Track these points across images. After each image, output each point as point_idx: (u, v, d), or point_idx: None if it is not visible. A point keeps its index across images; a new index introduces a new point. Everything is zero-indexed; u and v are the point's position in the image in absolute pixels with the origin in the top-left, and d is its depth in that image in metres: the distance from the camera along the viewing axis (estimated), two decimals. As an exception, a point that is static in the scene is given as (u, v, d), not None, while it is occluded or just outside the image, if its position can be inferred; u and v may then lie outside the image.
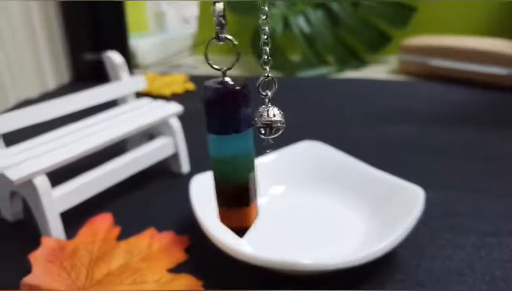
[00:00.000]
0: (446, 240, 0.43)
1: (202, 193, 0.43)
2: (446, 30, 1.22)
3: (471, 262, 0.40)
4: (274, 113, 0.23)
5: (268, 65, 0.23)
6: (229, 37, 0.22)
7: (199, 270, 0.39)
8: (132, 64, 1.21)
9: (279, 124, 0.23)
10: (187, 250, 0.42)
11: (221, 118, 0.22)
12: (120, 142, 0.56)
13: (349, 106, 0.89)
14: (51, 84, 1.02)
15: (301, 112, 0.84)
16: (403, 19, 1.21)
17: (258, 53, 1.13)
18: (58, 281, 0.37)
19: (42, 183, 0.42)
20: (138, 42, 1.28)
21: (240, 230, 0.25)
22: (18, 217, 0.48)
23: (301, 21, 1.24)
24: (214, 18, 0.22)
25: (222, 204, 0.24)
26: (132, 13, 1.32)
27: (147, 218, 0.48)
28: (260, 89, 0.23)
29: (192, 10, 1.56)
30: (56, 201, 0.43)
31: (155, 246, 0.42)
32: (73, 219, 0.46)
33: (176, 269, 0.40)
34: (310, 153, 0.53)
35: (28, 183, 0.42)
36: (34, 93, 0.96)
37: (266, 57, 0.23)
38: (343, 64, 1.24)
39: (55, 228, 0.43)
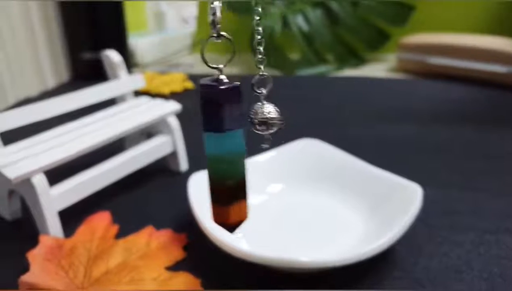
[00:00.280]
0: (444, 237, 0.43)
1: (200, 191, 0.43)
2: (445, 28, 1.22)
3: (469, 259, 0.40)
4: (270, 110, 0.24)
5: (262, 64, 0.24)
6: (224, 34, 0.22)
7: (197, 268, 0.39)
8: (131, 63, 1.21)
9: (275, 121, 0.24)
10: (185, 248, 0.42)
11: (214, 116, 0.23)
12: (119, 140, 0.56)
13: (348, 104, 0.89)
14: (51, 83, 1.02)
15: (300, 110, 0.84)
16: (402, 17, 1.21)
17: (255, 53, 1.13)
18: (56, 280, 0.37)
19: (40, 181, 0.42)
20: (137, 41, 1.28)
21: (232, 227, 0.25)
22: (16, 215, 0.48)
23: (300, 20, 1.24)
24: (209, 16, 0.22)
25: (215, 201, 0.25)
26: (132, 13, 1.32)
27: (145, 216, 0.48)
28: (255, 87, 0.24)
29: (191, 10, 1.57)
30: (54, 199, 0.43)
31: (153, 244, 0.42)
32: (71, 217, 0.46)
33: (174, 267, 0.40)
34: (308, 150, 0.53)
35: (26, 181, 0.42)
36: (33, 92, 0.96)
37: (260, 56, 0.24)
38: (342, 62, 1.24)
39: (53, 226, 0.43)
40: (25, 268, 0.39)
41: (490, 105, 0.88)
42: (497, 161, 0.61)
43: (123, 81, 0.58)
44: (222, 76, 0.23)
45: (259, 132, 0.24)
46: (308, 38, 1.23)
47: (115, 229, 0.45)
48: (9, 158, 0.42)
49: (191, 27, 1.56)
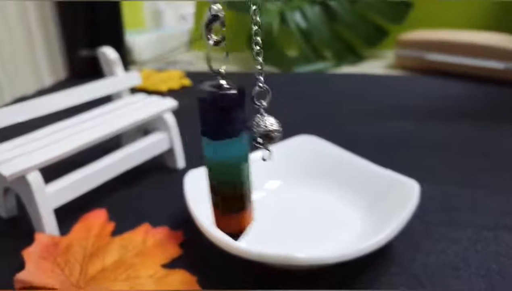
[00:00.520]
0: (442, 234, 0.43)
1: (196, 188, 0.43)
2: (442, 25, 1.22)
3: (467, 256, 0.40)
4: (271, 122, 0.23)
5: (260, 56, 0.23)
6: (217, 39, 0.22)
7: (194, 265, 0.39)
8: (128, 61, 1.21)
9: (276, 133, 0.23)
10: (182, 245, 0.42)
11: (216, 123, 0.22)
12: (115, 138, 0.56)
13: (346, 101, 0.89)
14: (48, 81, 1.02)
15: (298, 107, 0.84)
16: (399, 14, 1.21)
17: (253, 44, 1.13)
18: (51, 278, 0.37)
19: (35, 178, 0.41)
20: (135, 39, 1.28)
21: (236, 234, 0.25)
22: (12, 213, 0.48)
23: (297, 17, 1.24)
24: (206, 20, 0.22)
25: (217, 208, 0.24)
26: (129, 10, 1.32)
27: (141, 214, 0.48)
28: (255, 99, 0.23)
29: (189, 8, 1.56)
30: (49, 197, 0.43)
31: (150, 242, 0.42)
32: (67, 215, 0.46)
33: (171, 264, 0.40)
34: (306, 147, 0.52)
35: (21, 179, 0.41)
36: (30, 90, 0.95)
37: (258, 48, 0.23)
38: (340, 59, 1.23)
39: (49, 224, 0.43)
40: (21, 266, 0.38)
41: (488, 101, 0.88)
42: (495, 157, 0.61)
43: (119, 78, 0.57)
44: (223, 81, 0.22)
45: (260, 145, 0.23)
46: (306, 35, 1.23)
47: (111, 226, 0.45)
48: (4, 155, 0.42)
49: (189, 24, 1.55)
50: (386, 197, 0.43)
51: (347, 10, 1.25)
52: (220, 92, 0.22)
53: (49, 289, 0.36)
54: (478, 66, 1.01)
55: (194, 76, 1.07)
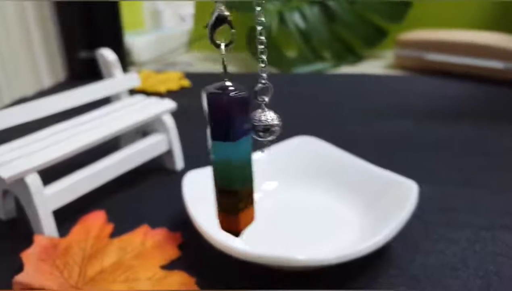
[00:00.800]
0: (440, 234, 0.43)
1: (195, 189, 0.43)
2: (441, 24, 1.22)
3: (465, 256, 0.40)
4: (272, 117, 0.24)
5: (264, 54, 0.24)
6: (217, 42, 0.22)
7: (192, 266, 0.39)
8: (127, 62, 1.21)
9: (276, 127, 0.24)
10: (180, 247, 0.42)
11: (223, 125, 0.22)
12: (114, 139, 0.56)
13: (346, 101, 0.89)
14: (47, 82, 1.02)
15: (297, 108, 0.84)
16: (398, 14, 1.21)
17: (253, 50, 1.13)
18: (50, 280, 0.37)
19: (34, 181, 0.41)
20: (134, 40, 1.28)
21: (239, 233, 0.25)
22: (10, 215, 0.48)
23: (296, 17, 1.24)
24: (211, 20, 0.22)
25: (222, 210, 0.24)
26: (129, 11, 1.32)
27: (140, 215, 0.48)
28: (258, 95, 0.24)
29: (188, 8, 1.56)
30: (48, 199, 0.43)
31: (148, 243, 0.42)
32: (66, 216, 0.46)
33: (169, 266, 0.40)
34: (304, 148, 0.52)
35: (20, 181, 0.41)
36: (29, 92, 0.95)
37: (262, 47, 0.24)
38: (339, 59, 1.23)
39: (48, 226, 0.43)
40: (19, 268, 0.38)
41: (488, 101, 0.88)
42: (495, 157, 0.61)
43: (118, 80, 0.57)
44: (228, 83, 0.22)
45: (261, 139, 0.24)
46: (305, 35, 1.23)
47: (110, 228, 0.45)
48: (2, 157, 0.42)
49: (188, 25, 1.55)
50: (384, 197, 0.43)
51: (346, 10, 1.25)
52: (230, 94, 0.22)
53: (48, 291, 0.36)
54: (477, 66, 1.01)
55: (194, 77, 1.07)
